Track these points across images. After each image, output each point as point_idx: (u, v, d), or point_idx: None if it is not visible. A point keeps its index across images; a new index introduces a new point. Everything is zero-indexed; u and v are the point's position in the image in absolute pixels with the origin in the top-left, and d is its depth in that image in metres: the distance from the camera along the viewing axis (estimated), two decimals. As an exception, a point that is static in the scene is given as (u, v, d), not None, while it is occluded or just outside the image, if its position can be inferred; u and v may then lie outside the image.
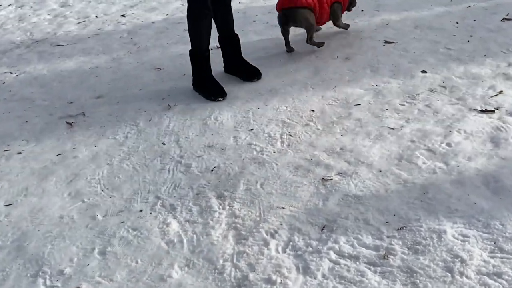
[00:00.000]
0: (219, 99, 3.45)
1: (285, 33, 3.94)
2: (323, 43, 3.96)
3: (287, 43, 3.98)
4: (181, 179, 2.77)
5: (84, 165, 2.99)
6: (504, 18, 4.08)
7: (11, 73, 4.30)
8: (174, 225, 2.47)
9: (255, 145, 2.96)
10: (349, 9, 4.21)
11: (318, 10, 3.84)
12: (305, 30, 3.89)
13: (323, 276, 2.12)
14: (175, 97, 3.58)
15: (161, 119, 3.34)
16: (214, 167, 2.82)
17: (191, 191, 2.68)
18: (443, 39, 3.90)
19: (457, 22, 4.13)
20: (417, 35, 4.02)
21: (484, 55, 3.60)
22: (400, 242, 2.21)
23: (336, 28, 4.25)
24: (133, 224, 2.51)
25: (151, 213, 2.57)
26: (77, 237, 2.48)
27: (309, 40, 3.88)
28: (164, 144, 3.08)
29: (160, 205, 2.61)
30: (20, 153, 3.18)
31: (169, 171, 2.84)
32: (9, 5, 5.99)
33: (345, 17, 4.45)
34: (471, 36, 3.89)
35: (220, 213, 2.50)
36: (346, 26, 4.23)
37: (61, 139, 3.27)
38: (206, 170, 2.81)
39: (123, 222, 2.53)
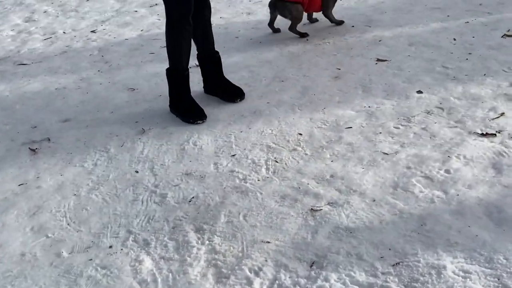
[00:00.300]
0: (198, 122, 3.44)
1: (273, 16, 4.59)
2: (307, 34, 4.41)
3: (271, 22, 4.64)
4: (155, 210, 2.74)
5: (48, 196, 2.94)
6: (505, 35, 4.14)
7: (-31, 94, 4.26)
8: (148, 263, 2.43)
9: (238, 172, 2.94)
10: None
11: (307, 1, 4.40)
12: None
13: (313, 318, 2.10)
14: (150, 120, 3.56)
15: (134, 144, 3.31)
16: (193, 197, 2.79)
17: (166, 224, 2.64)
18: (439, 57, 3.94)
19: (454, 39, 4.18)
20: (412, 52, 4.06)
21: (484, 74, 3.63)
22: (396, 279, 2.19)
23: (325, 45, 4.29)
24: (102, 261, 2.46)
25: (122, 249, 2.52)
26: (40, 277, 2.42)
27: (291, 28, 4.41)
28: (137, 172, 3.05)
29: (132, 240, 2.57)
30: (-23, 183, 3.13)
31: (142, 202, 2.81)
32: (-32, 20, 5.97)
33: (335, 33, 4.50)
34: (469, 53, 3.94)
35: (198, 249, 2.47)
36: (339, 22, 4.54)
37: (24, 167, 3.22)
38: (184, 201, 2.78)
39: (91, 259, 2.48)
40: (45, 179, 3.09)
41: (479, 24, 4.40)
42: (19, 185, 3.07)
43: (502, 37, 4.13)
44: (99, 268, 2.43)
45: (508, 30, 4.21)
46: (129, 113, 3.69)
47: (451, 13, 4.66)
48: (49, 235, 2.67)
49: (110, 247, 2.54)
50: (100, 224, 2.69)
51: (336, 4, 4.56)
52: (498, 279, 2.14)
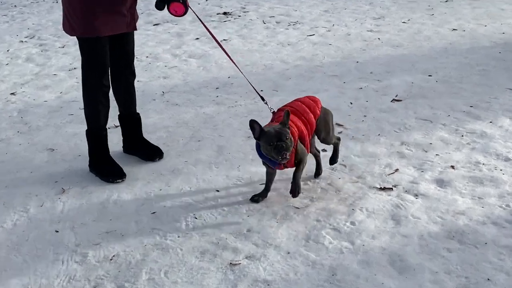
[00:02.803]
0: (118, 180, 3.32)
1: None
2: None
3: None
4: (76, 270, 2.56)
5: (-35, 259, 2.69)
6: (394, 99, 4.32)
7: None
8: (70, 324, 2.25)
9: (158, 229, 2.83)
10: None
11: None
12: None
13: None
14: (70, 179, 3.39)
15: (54, 204, 3.13)
16: (113, 256, 2.64)
17: (87, 283, 2.47)
18: (339, 118, 4.01)
19: (351, 103, 4.31)
20: (315, 114, 4.13)
21: (378, 134, 3.75)
22: (313, 329, 2.14)
23: (238, 108, 4.30)
24: (22, 325, 2.26)
25: (42, 311, 2.33)
26: None
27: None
28: (57, 231, 2.86)
29: (53, 301, 2.38)
30: None
31: (63, 262, 2.62)
32: None
33: (246, 97, 4.52)
34: (365, 116, 4.06)
35: (121, 307, 2.32)
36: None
37: None
38: (105, 259, 2.62)
39: (10, 323, 2.27)
40: (-38, 241, 2.83)
41: (370, 90, 4.57)
42: None
43: (391, 101, 4.30)
44: (18, 332, 2.21)
45: (396, 95, 4.38)
46: (48, 173, 3.49)
47: (347, 80, 4.82)
48: (-35, 299, 2.42)
49: (30, 309, 2.34)
50: (20, 286, 2.48)
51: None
52: (406, 324, 2.14)
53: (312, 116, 3.03)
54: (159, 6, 3.24)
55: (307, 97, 3.18)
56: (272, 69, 5.25)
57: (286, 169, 2.94)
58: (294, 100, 3.13)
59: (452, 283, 2.33)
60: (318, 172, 3.26)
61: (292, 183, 2.92)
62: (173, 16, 3.31)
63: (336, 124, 3.91)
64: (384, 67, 5.07)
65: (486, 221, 2.73)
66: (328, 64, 5.26)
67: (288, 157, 2.77)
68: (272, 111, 3.07)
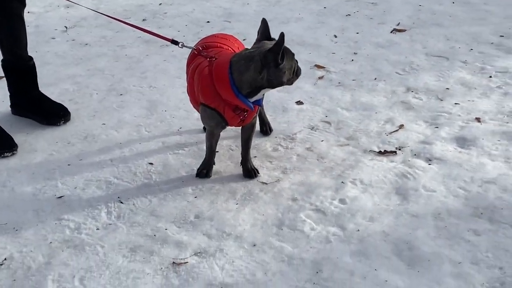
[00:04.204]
0: (6, 154, 3.34)
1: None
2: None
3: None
4: (-48, 281, 2.54)
5: None
6: (395, 29, 4.34)
7: None
8: None
9: (68, 220, 2.82)
10: None
11: None
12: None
13: None
14: None
15: None
16: (5, 259, 2.62)
17: (-31, 299, 2.46)
18: (319, 58, 4.05)
19: (335, 36, 4.32)
20: (285, 53, 4.12)
21: (375, 78, 3.77)
22: None
23: (175, 48, 4.26)
24: None
25: None
26: None
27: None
28: None
29: None
30: None
31: None
32: None
33: (187, 32, 4.48)
34: (355, 53, 4.08)
35: (19, 330, 2.32)
36: None
37: None
38: (-7, 265, 2.61)
39: None
40: None
41: (363, 17, 4.59)
42: None
43: (391, 32, 4.32)
44: None
45: (398, 24, 4.41)
46: None
47: (328, 4, 4.82)
48: None
49: None
50: None
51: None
52: (419, 334, 2.19)
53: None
54: None
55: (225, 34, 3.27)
56: (223, -9, 5.22)
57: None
58: (211, 36, 3.22)
59: (481, 276, 2.38)
60: (266, 127, 3.35)
61: (243, 160, 3.03)
62: None
63: (315, 66, 3.94)
64: (380, -15, 5.09)
65: (524, 192, 2.81)
66: (301, -17, 5.25)
67: None
68: (194, 50, 3.04)
